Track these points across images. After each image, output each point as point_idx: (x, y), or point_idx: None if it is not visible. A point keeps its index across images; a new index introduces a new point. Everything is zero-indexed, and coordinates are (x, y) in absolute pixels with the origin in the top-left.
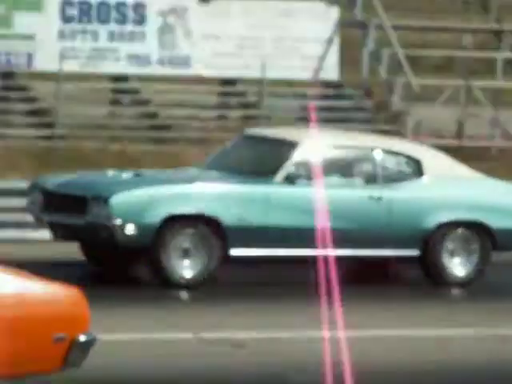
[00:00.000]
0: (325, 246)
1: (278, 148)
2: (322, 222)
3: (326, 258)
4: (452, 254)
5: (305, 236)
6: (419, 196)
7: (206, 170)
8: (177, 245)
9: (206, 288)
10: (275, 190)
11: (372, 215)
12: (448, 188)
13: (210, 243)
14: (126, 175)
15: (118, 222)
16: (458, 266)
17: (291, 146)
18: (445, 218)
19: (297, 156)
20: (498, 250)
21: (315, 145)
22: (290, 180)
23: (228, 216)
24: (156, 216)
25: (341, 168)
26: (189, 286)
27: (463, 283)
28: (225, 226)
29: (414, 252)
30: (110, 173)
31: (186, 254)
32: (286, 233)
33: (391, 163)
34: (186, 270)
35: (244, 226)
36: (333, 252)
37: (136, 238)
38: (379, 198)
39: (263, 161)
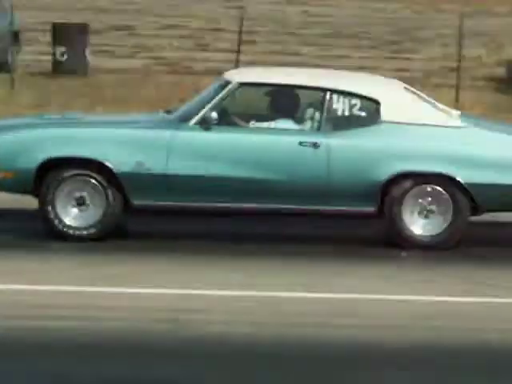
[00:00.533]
0: (241, 199)
1: (210, 90)
2: (238, 172)
3: (242, 211)
4: (414, 212)
5: (218, 187)
6: (369, 144)
7: (129, 115)
8: (63, 192)
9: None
10: (184, 134)
11: (306, 165)
12: (408, 135)
13: (102, 191)
14: (41, 119)
15: None
16: (421, 227)
17: (221, 86)
18: (400, 168)
19: (221, 97)
20: (476, 210)
21: (246, 84)
22: (206, 124)
23: (121, 162)
24: (33, 161)
25: (275, 111)
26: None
27: (428, 246)
28: (119, 173)
29: (368, 208)
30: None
31: (78, 202)
32: (192, 182)
33: (341, 106)
34: (78, 220)
35: (142, 173)
36: (252, 205)
37: (12, 185)
38: (316, 146)
39: (193, 104)
